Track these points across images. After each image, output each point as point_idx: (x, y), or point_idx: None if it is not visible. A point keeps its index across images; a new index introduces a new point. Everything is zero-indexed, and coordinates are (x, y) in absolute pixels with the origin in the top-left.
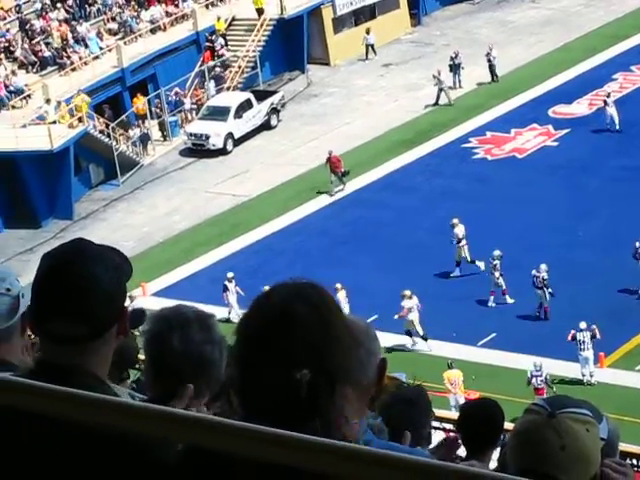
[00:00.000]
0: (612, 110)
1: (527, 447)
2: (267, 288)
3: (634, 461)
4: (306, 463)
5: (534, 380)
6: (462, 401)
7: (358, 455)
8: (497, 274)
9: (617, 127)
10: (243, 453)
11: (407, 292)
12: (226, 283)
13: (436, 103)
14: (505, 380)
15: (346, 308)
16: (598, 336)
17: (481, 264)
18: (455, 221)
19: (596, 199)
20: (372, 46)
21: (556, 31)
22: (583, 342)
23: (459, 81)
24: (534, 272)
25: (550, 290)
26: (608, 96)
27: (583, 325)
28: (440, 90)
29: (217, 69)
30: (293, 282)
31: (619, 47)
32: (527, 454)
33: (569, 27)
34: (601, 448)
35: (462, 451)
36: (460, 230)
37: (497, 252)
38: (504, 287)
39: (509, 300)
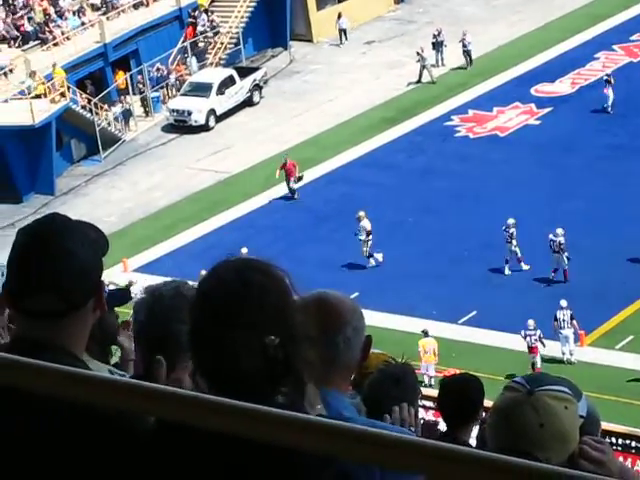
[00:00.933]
0: (610, 91)
1: (505, 424)
2: (218, 263)
3: (614, 439)
4: (282, 439)
5: (528, 339)
6: (432, 372)
7: (333, 430)
8: (514, 242)
9: (610, 108)
10: (215, 427)
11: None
12: None
13: (419, 81)
14: (485, 358)
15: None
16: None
17: (379, 255)
18: (361, 214)
19: (578, 178)
20: (344, 31)
21: (539, 10)
22: (563, 320)
23: (442, 59)
24: (551, 236)
25: (567, 254)
26: (609, 76)
27: (564, 303)
28: (423, 67)
29: (200, 44)
30: (241, 257)
31: (601, 26)
32: (505, 431)
33: (552, 6)
34: (582, 426)
35: (442, 426)
36: (367, 224)
37: (511, 220)
38: (519, 255)
39: (524, 267)
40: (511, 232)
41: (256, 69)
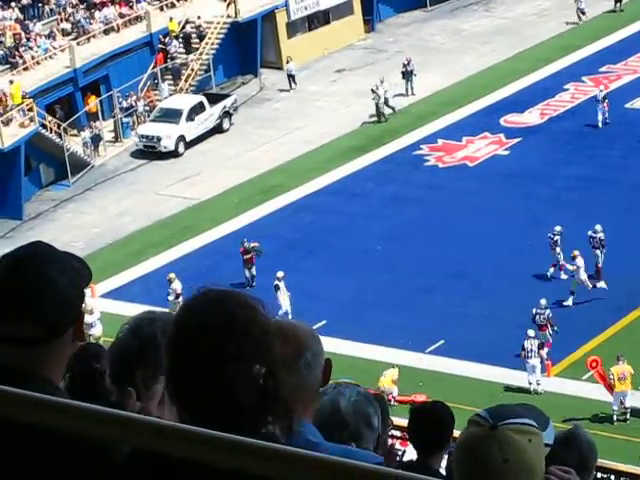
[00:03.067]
0: (600, 107)
1: (469, 460)
2: (195, 294)
3: None
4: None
5: (537, 317)
6: (394, 392)
7: (312, 462)
8: (558, 249)
9: (599, 124)
10: (190, 457)
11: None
12: (277, 283)
13: (379, 120)
14: (452, 387)
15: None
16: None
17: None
18: (171, 276)
19: (547, 208)
20: (293, 77)
21: (509, 40)
22: (531, 350)
23: (412, 88)
24: (590, 233)
25: (604, 250)
26: (602, 92)
27: (531, 333)
28: (377, 105)
29: (173, 70)
30: (216, 288)
31: (571, 57)
32: (470, 467)
33: (522, 37)
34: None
35: (413, 454)
36: (177, 286)
37: (558, 227)
38: (562, 262)
39: (563, 276)
40: (556, 239)
41: (226, 96)
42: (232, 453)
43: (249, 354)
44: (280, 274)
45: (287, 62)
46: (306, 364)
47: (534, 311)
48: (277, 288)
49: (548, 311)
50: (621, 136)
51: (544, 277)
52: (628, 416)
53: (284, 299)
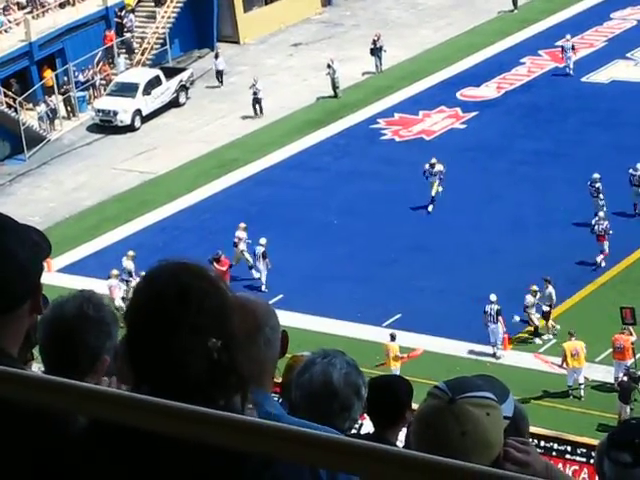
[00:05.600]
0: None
1: (427, 433)
2: (153, 268)
3: (537, 442)
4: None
5: (596, 227)
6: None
7: (270, 431)
8: (601, 196)
9: (571, 72)
10: (147, 427)
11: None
12: (261, 249)
13: (335, 95)
14: (410, 360)
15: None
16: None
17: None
18: (130, 253)
19: (503, 182)
20: (221, 72)
21: (465, 14)
22: (491, 315)
23: (380, 64)
24: (631, 171)
25: None
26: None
27: (493, 297)
28: (332, 80)
29: (127, 44)
30: (175, 261)
31: (527, 31)
32: (428, 440)
33: (478, 10)
34: (511, 424)
35: (370, 427)
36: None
37: (596, 175)
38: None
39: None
40: (597, 186)
41: (182, 70)
42: (191, 423)
43: (204, 326)
44: (263, 241)
45: (216, 57)
46: (265, 339)
47: (593, 221)
48: (259, 255)
49: (497, 307)
50: (577, 110)
51: (500, 250)
52: (582, 392)
53: (263, 268)
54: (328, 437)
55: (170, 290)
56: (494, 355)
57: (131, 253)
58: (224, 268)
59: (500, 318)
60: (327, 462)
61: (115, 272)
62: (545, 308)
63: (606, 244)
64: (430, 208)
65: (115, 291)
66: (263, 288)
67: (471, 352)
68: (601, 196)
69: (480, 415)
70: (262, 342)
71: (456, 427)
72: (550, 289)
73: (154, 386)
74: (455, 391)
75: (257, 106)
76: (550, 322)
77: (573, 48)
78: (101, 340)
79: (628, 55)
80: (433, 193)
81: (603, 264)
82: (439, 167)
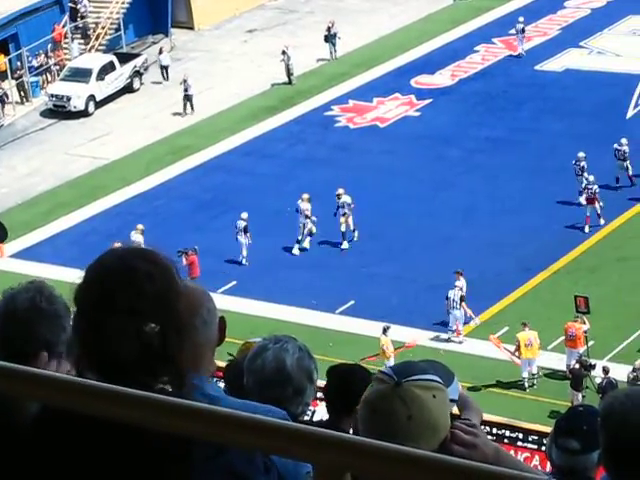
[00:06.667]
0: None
1: (374, 417)
2: (107, 250)
3: (489, 429)
4: (160, 424)
5: (587, 191)
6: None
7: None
8: (585, 174)
9: (523, 52)
10: (96, 413)
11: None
12: (243, 224)
13: (290, 82)
14: (362, 347)
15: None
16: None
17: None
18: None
19: (456, 170)
20: (166, 68)
21: (420, 2)
22: (454, 300)
23: (335, 51)
24: (616, 146)
25: (628, 162)
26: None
27: (458, 284)
28: (287, 66)
29: (80, 30)
30: (129, 245)
31: (481, 19)
32: (375, 424)
33: None
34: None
35: (323, 414)
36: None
37: (581, 154)
38: (583, 188)
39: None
40: (582, 165)
41: (136, 55)
42: (126, 407)
43: (144, 310)
44: (245, 215)
45: (160, 52)
46: (202, 322)
47: (582, 187)
48: (240, 229)
49: (460, 293)
50: (530, 98)
51: (454, 238)
52: (536, 382)
53: (244, 242)
54: (280, 424)
55: (114, 271)
56: (451, 340)
57: (140, 227)
58: (185, 263)
59: (463, 304)
60: (278, 449)
61: (140, 227)
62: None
63: (598, 206)
64: (345, 245)
65: None
66: (244, 262)
67: (426, 339)
68: (585, 174)
69: (426, 397)
70: (199, 324)
71: (403, 410)
72: (462, 281)
73: (90, 367)
74: (400, 375)
75: (188, 103)
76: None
77: (523, 31)
78: (55, 334)
79: (582, 44)
80: (342, 228)
81: (602, 222)
82: (346, 198)
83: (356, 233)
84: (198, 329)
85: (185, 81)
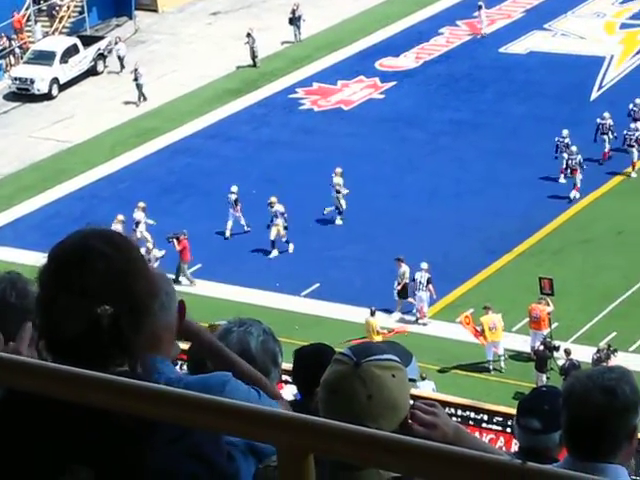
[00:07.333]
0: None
1: (334, 398)
2: (74, 230)
3: (453, 411)
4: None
5: (570, 162)
6: None
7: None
8: (573, 149)
9: (485, 31)
10: (51, 394)
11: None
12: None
13: (254, 64)
14: (327, 329)
15: None
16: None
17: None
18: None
19: (421, 152)
20: (122, 59)
21: None
22: (420, 282)
23: (299, 34)
24: (599, 120)
25: (614, 135)
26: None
27: (424, 265)
28: (252, 49)
29: (45, 12)
30: (94, 226)
31: (446, 1)
32: (335, 405)
33: None
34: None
35: (289, 394)
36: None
37: (566, 131)
38: (564, 166)
39: (562, 180)
40: (566, 142)
41: (100, 38)
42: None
43: (96, 291)
44: (234, 188)
45: (116, 43)
46: (161, 305)
47: (566, 156)
48: (232, 202)
49: (427, 275)
50: (494, 81)
51: (418, 220)
52: (502, 364)
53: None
54: (240, 405)
55: (72, 250)
56: (417, 322)
57: (142, 204)
58: (179, 248)
59: (430, 286)
60: (239, 430)
61: (120, 217)
62: (398, 287)
63: (579, 177)
64: (275, 253)
65: None
66: (246, 228)
67: (391, 321)
68: (573, 148)
69: (386, 377)
70: (158, 308)
71: (362, 390)
72: (404, 268)
73: (48, 344)
74: (360, 355)
75: (139, 92)
76: (409, 299)
77: (480, 8)
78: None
79: (546, 26)
80: (272, 237)
81: (577, 196)
82: (279, 207)
83: (291, 246)
84: (156, 313)
85: (136, 70)
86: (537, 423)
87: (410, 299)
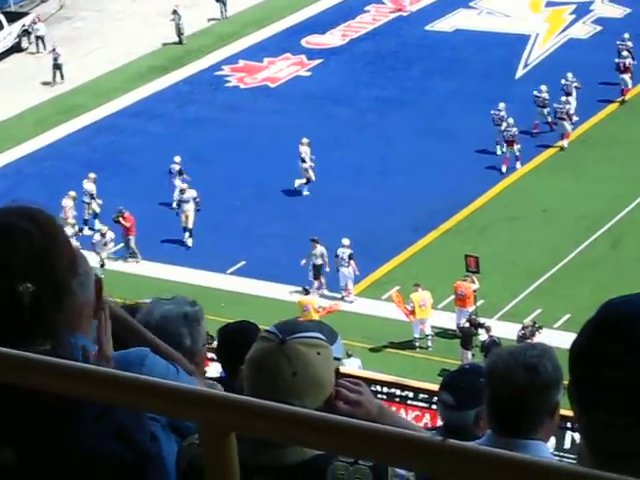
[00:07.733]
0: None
1: (259, 375)
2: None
3: (379, 388)
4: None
5: (506, 133)
6: None
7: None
8: (504, 124)
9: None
10: None
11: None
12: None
13: (180, 41)
14: (254, 307)
15: None
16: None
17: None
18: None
19: (347, 129)
20: (42, 38)
21: None
22: (342, 258)
23: (225, 11)
24: (535, 92)
25: (548, 110)
26: None
27: (345, 242)
28: (177, 26)
29: None
30: (18, 203)
31: None
32: (260, 382)
33: None
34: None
35: (213, 372)
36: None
37: (502, 104)
38: (506, 139)
39: (498, 152)
40: (502, 115)
41: (25, 14)
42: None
43: (17, 268)
44: (177, 158)
45: (34, 22)
46: (80, 283)
47: (502, 127)
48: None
49: (349, 251)
50: (420, 58)
51: (344, 197)
52: (430, 343)
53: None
54: (161, 382)
55: None
56: (343, 299)
57: (92, 175)
58: (128, 224)
59: (352, 262)
60: (160, 407)
61: (72, 193)
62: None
63: (516, 149)
64: (190, 242)
65: (69, 212)
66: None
67: (316, 299)
68: (510, 120)
69: (311, 354)
70: (76, 287)
71: (287, 367)
72: (319, 248)
73: None
74: (285, 332)
75: (57, 72)
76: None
77: None
78: None
79: (471, 4)
80: (188, 224)
81: (519, 166)
82: (191, 192)
83: (190, 241)
84: (76, 292)
85: (54, 49)
86: (450, 398)
87: (321, 279)
